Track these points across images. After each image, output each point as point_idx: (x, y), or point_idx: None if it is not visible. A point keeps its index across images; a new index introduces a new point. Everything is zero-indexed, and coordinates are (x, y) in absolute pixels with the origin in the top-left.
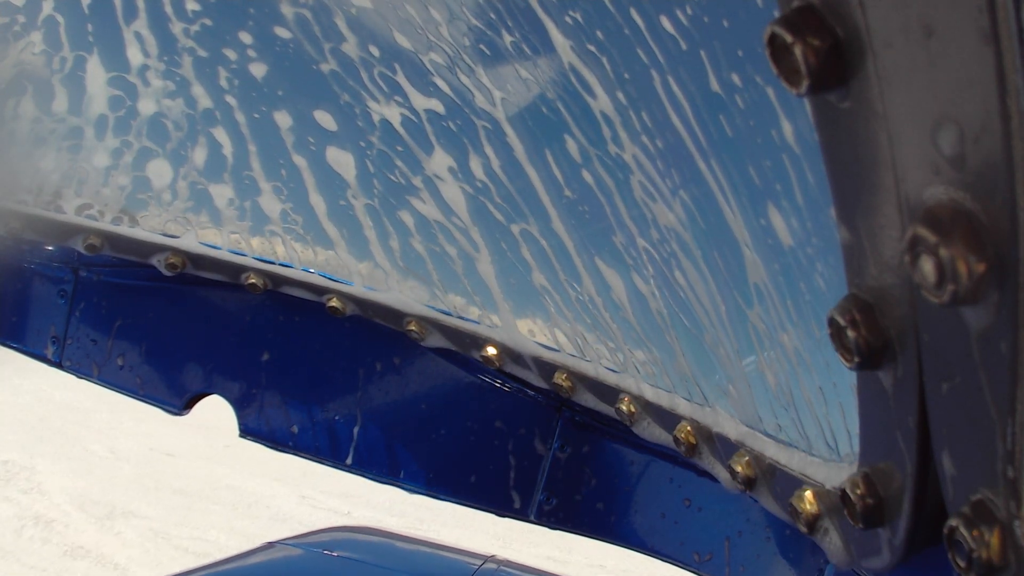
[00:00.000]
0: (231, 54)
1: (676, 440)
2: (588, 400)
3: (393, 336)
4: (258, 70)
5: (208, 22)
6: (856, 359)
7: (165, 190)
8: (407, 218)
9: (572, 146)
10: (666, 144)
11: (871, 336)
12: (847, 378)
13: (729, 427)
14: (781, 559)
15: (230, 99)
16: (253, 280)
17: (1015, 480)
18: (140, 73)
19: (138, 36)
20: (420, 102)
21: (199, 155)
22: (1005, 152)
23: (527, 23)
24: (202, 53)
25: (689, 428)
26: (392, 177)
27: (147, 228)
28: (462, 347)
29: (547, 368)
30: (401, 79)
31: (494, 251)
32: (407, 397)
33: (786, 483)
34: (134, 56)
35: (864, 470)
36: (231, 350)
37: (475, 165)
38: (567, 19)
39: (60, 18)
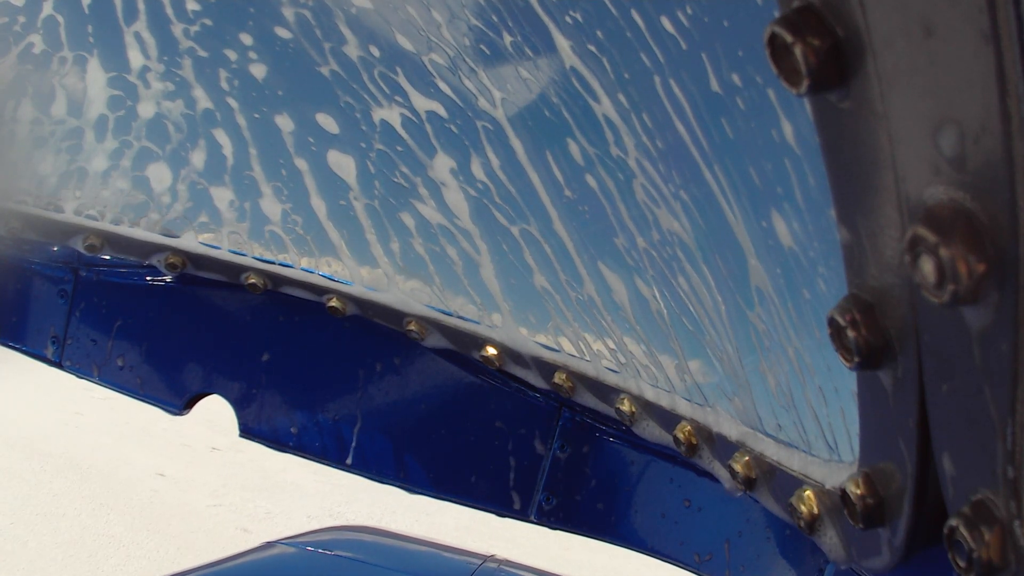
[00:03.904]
0: (231, 55)
1: (676, 440)
2: (588, 400)
3: (393, 336)
4: (258, 71)
5: (208, 23)
6: (856, 359)
7: (165, 191)
8: (408, 219)
9: (573, 147)
10: (667, 145)
11: (871, 336)
12: (847, 379)
13: (729, 427)
14: (781, 559)
15: (230, 100)
16: (253, 280)
17: (1015, 480)
18: (140, 74)
19: (138, 37)
20: (421, 103)
21: (199, 156)
22: (1005, 152)
23: (528, 24)
24: (202, 54)
25: (689, 428)
26: (393, 178)
27: (147, 228)
28: (462, 347)
29: (547, 368)
30: (402, 80)
31: (495, 252)
32: (407, 397)
33: (786, 483)
34: (134, 57)
35: (864, 470)
36: (231, 350)
37: (476, 166)
38: (568, 20)
39: (60, 18)
